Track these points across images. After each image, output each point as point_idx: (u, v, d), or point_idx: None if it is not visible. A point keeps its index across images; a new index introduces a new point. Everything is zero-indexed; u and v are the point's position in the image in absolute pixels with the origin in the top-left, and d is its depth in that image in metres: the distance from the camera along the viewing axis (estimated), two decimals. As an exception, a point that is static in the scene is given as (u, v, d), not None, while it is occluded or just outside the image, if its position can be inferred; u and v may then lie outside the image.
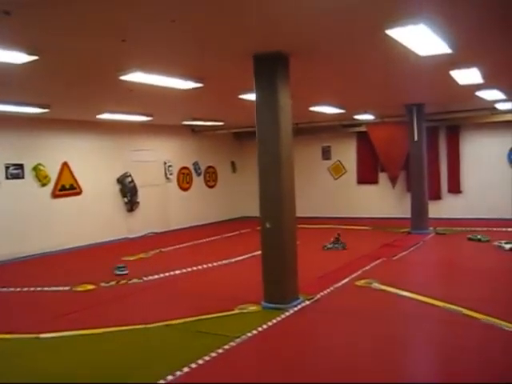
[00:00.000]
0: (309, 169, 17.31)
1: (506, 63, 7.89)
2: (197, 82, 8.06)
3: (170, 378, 4.72)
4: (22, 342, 5.97)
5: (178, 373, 4.82)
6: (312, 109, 12.08)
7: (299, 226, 13.93)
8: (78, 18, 4.80)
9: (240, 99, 9.74)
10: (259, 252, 7.11)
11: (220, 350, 5.37)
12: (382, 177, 16.58)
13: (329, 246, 11.22)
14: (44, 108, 10.06)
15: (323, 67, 7.58)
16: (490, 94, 10.81)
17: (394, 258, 9.95)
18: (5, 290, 8.63)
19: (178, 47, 6.11)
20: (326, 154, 17.43)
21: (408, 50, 6.16)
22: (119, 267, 9.49)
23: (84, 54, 6.18)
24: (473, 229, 12.99)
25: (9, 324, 6.62)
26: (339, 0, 4.55)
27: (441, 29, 5.49)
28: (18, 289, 8.61)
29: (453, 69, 7.81)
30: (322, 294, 7.43)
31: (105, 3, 4.40)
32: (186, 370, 4.89)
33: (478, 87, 9.73)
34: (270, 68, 6.63)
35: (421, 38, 5.70)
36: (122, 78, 7.17)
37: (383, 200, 16.48)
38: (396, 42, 5.73)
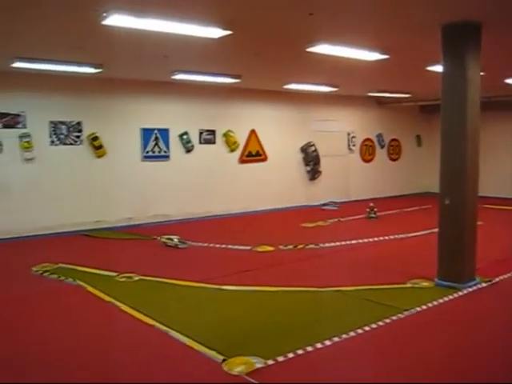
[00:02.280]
0: (500, 146, 16.18)
1: None
2: (383, 53, 8.02)
3: (335, 339, 4.94)
4: (208, 291, 6.63)
5: (344, 336, 5.02)
6: (507, 81, 11.28)
7: (484, 205, 13.33)
8: None
9: (427, 71, 9.47)
10: (437, 229, 6.98)
11: (387, 320, 5.46)
12: None
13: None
14: (236, 78, 10.73)
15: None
16: None
17: None
18: (195, 244, 9.51)
19: (364, 19, 6.14)
20: (522, 130, 16.14)
21: None
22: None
23: (273, 28, 6.50)
24: None
25: (199, 274, 7.34)
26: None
27: None
28: (206, 244, 9.44)
29: None
30: (501, 277, 7.08)
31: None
32: (351, 334, 5.08)
33: None
34: (459, 39, 6.38)
35: None
36: (309, 49, 7.40)
37: None
38: None
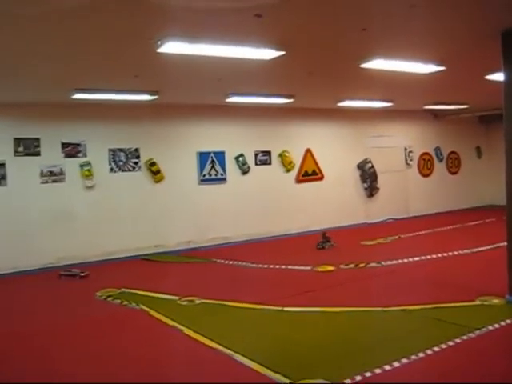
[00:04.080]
0: None
1: None
2: (439, 65, 7.87)
3: (404, 360, 4.78)
4: (270, 313, 6.56)
5: (413, 357, 4.85)
6: None
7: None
8: (319, 12, 5.05)
9: (486, 80, 9.21)
10: (505, 243, 6.69)
11: (458, 340, 5.25)
12: None
13: None
14: (289, 98, 10.75)
15: None
16: None
17: None
18: (254, 266, 9.49)
19: (418, 32, 6.05)
20: None
21: None
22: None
23: (325, 46, 6.48)
24: None
25: (260, 296, 7.29)
26: None
27: None
28: (266, 265, 9.40)
29: None
30: None
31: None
32: (420, 355, 4.90)
33: None
34: (520, 45, 6.18)
35: None
36: (363, 65, 7.33)
37: None
38: None
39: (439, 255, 9.52)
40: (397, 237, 11.94)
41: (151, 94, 9.34)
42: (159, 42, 5.67)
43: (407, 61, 7.46)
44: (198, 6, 4.64)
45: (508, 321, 5.77)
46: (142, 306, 7.06)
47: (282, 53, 6.42)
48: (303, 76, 8.59)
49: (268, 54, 6.48)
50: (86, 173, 10.46)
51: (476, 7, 5.19)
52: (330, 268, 8.97)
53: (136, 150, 11.06)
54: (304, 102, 11.99)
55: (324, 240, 11.03)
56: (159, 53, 6.03)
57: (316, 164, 13.54)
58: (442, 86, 10.38)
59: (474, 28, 6.02)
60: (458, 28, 5.98)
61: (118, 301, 7.43)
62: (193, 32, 5.48)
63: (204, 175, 11.91)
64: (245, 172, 12.46)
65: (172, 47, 5.85)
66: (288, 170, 13.13)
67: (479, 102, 13.38)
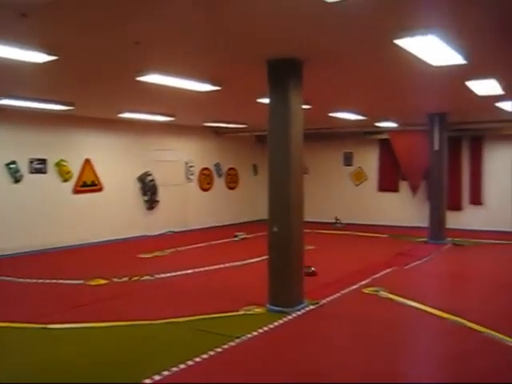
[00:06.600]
0: (330, 174, 17.43)
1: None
2: (214, 85, 8.17)
3: (165, 373, 4.84)
4: (31, 331, 6.16)
5: (174, 369, 4.93)
6: (332, 115, 12.11)
7: (317, 230, 14.08)
8: (91, 20, 4.93)
9: (258, 103, 9.83)
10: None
11: (219, 349, 5.47)
12: (403, 185, 16.50)
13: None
14: (68, 106, 10.31)
15: (337, 74, 7.63)
16: (512, 106, 10.69)
17: (406, 267, 9.93)
18: (21, 280, 8.86)
19: (192, 52, 6.22)
20: (348, 160, 17.42)
21: (419, 60, 6.17)
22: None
23: (100, 55, 6.31)
24: (492, 241, 12.91)
25: (21, 314, 6.81)
26: (348, 9, 4.60)
27: (452, 40, 5.49)
28: (34, 280, 8.84)
29: (468, 79, 7.78)
30: (327, 299, 7.48)
31: (116, 6, 4.52)
32: (182, 366, 5.00)
33: (498, 98, 9.64)
34: (282, 74, 6.72)
35: (431, 49, 5.71)
36: (139, 78, 7.33)
37: (403, 208, 16.38)
38: (406, 51, 5.75)
39: (212, 267, 9.86)
40: (174, 249, 12.10)
41: None
42: None
43: (183, 78, 7.62)
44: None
45: (265, 328, 6.19)
46: None
47: (54, 57, 6.12)
48: (81, 84, 8.32)
49: (39, 57, 6.13)
50: None
51: (242, 36, 5.51)
52: (103, 282, 8.75)
53: None
54: (85, 111, 11.62)
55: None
56: None
57: (95, 175, 13.17)
58: (219, 104, 10.85)
59: (242, 54, 6.38)
60: (229, 53, 6.30)
61: None
62: None
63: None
64: (17, 180, 11.62)
65: None
66: (65, 180, 12.55)
67: (255, 123, 14.21)
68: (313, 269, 8.82)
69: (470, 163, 15.57)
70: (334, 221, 16.51)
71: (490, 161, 15.27)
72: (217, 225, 16.35)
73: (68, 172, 12.57)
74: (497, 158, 15.14)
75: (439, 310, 6.90)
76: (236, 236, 13.84)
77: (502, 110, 11.11)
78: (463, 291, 8.44)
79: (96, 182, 13.21)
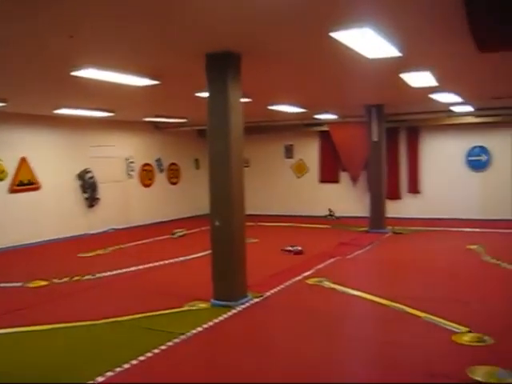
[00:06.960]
0: (271, 167, 17.54)
1: (460, 69, 8.07)
2: (153, 79, 8.05)
3: (109, 374, 4.75)
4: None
5: (118, 369, 4.85)
6: (271, 107, 12.16)
7: (260, 223, 14.17)
8: (18, 9, 4.62)
9: (198, 97, 9.77)
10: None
11: (163, 347, 5.42)
12: (344, 176, 16.79)
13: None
14: (1, 102, 9.93)
15: (275, 67, 7.65)
16: (446, 97, 11.00)
17: (348, 257, 10.12)
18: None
19: (128, 44, 6.09)
20: (289, 152, 17.58)
21: (355, 53, 6.26)
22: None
23: (31, 46, 6.02)
24: (429, 228, 13.32)
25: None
26: (283, 2, 4.62)
27: (386, 33, 5.60)
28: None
29: (403, 72, 7.96)
30: (271, 291, 7.53)
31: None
32: (126, 366, 4.93)
33: (433, 90, 9.91)
34: (220, 67, 6.68)
35: (366, 41, 5.80)
36: (74, 73, 7.13)
37: (344, 199, 16.67)
38: (341, 44, 5.82)
39: (155, 264, 9.76)
40: (116, 247, 11.89)
41: None
42: None
43: (121, 73, 7.47)
44: None
45: (210, 323, 6.18)
46: None
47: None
48: (13, 78, 8.01)
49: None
50: None
51: (181, 28, 5.42)
52: (43, 283, 8.51)
53: None
54: (19, 107, 11.23)
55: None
56: None
57: (32, 173, 12.76)
58: (159, 99, 10.72)
59: (181, 47, 6.30)
60: (167, 45, 6.20)
61: None
62: None
63: None
64: None
65: None
66: (0, 180, 12.12)
67: (196, 117, 14.15)
68: (299, 248, 8.87)
69: (407, 153, 16.00)
70: (326, 213, 16.36)
71: (426, 150, 15.73)
72: (160, 220, 16.18)
73: (2, 171, 12.13)
74: (433, 148, 15.62)
75: (380, 297, 7.06)
76: (173, 233, 13.54)
77: (436, 101, 11.43)
78: (403, 279, 8.64)
79: (33, 181, 12.80)
